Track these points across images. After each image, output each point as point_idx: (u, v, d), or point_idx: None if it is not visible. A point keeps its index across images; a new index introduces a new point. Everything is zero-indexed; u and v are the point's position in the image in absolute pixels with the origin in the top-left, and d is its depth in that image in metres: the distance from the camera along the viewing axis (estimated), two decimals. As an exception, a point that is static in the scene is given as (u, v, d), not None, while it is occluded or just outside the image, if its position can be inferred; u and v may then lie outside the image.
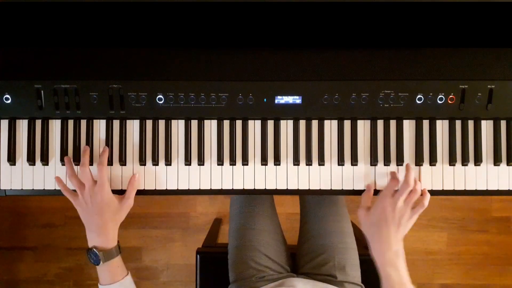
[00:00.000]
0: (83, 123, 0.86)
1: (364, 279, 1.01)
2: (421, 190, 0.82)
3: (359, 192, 0.87)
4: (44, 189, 0.86)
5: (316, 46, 0.84)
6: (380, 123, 0.86)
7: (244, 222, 1.03)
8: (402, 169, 0.86)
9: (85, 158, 0.82)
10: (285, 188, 0.87)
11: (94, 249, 0.79)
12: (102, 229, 0.80)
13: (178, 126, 0.87)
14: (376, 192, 0.86)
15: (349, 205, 1.13)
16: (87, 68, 0.84)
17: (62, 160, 0.86)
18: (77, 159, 0.86)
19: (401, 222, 0.79)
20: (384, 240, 0.79)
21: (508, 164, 0.86)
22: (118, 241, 0.82)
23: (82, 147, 0.85)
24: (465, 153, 0.86)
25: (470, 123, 0.86)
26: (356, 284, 0.98)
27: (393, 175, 0.84)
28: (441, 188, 0.86)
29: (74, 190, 0.82)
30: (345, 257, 0.98)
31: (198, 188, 0.86)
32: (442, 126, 0.86)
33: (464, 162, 0.86)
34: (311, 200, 1.10)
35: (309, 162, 0.86)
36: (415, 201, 0.81)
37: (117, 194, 0.83)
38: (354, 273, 0.98)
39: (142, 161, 0.86)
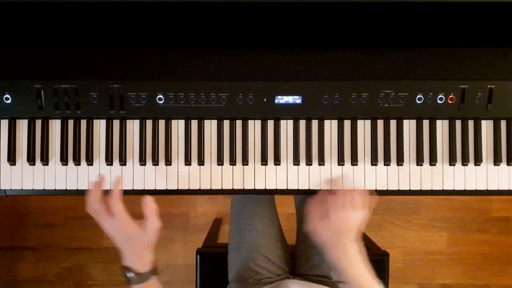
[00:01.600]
0: (83, 123, 0.86)
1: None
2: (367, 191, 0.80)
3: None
4: (44, 189, 0.86)
5: (316, 46, 0.84)
6: (380, 123, 0.86)
7: (245, 223, 1.03)
8: (401, 169, 0.86)
9: (97, 191, 0.77)
10: (285, 188, 0.87)
11: (126, 273, 0.77)
12: (133, 256, 0.78)
13: (178, 126, 0.87)
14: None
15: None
16: (87, 68, 0.84)
17: (62, 160, 0.86)
18: (77, 159, 0.86)
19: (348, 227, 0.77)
20: (339, 247, 0.77)
21: (508, 164, 0.86)
22: (154, 264, 0.79)
23: (98, 177, 0.80)
24: (465, 153, 0.86)
25: (470, 123, 0.86)
26: None
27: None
28: (441, 188, 0.86)
29: None
30: None
31: (198, 188, 0.86)
32: (442, 126, 0.86)
33: (464, 162, 0.86)
34: (304, 201, 1.10)
35: (309, 162, 0.86)
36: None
37: (138, 220, 0.79)
38: None
39: (142, 161, 0.86)
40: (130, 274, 0.76)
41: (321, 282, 0.94)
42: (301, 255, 1.03)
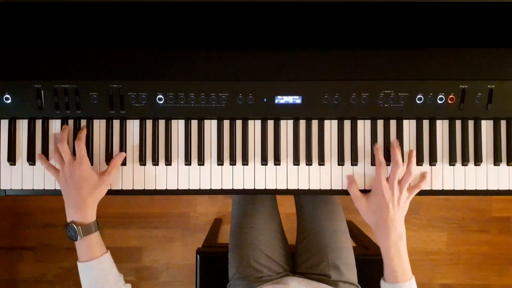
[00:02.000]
0: (83, 123, 0.86)
1: (361, 280, 1.00)
2: (422, 174, 0.84)
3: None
4: (44, 189, 0.86)
5: (316, 46, 0.84)
6: (380, 123, 0.86)
7: (246, 221, 1.03)
8: (401, 169, 0.85)
9: (64, 133, 0.83)
10: (285, 188, 0.87)
11: (73, 224, 0.79)
12: (80, 204, 0.80)
13: (178, 126, 0.87)
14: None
15: (350, 205, 1.13)
16: (87, 68, 0.84)
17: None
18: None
19: (399, 203, 0.80)
20: (388, 223, 0.80)
21: (508, 164, 0.86)
22: (97, 218, 0.82)
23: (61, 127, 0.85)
24: (465, 153, 0.86)
25: (470, 123, 0.86)
26: (352, 284, 0.97)
27: (379, 161, 0.83)
28: (441, 188, 0.86)
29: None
30: (339, 256, 0.98)
31: (198, 188, 0.86)
32: (442, 126, 0.86)
33: (464, 162, 0.86)
34: (306, 200, 1.10)
35: (309, 162, 0.86)
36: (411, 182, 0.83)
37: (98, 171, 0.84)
38: (348, 272, 0.98)
39: (142, 161, 0.86)
40: (74, 227, 0.78)
41: (321, 281, 0.94)
42: (302, 253, 1.03)
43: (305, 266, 1.00)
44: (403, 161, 0.83)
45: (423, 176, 0.84)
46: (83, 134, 0.83)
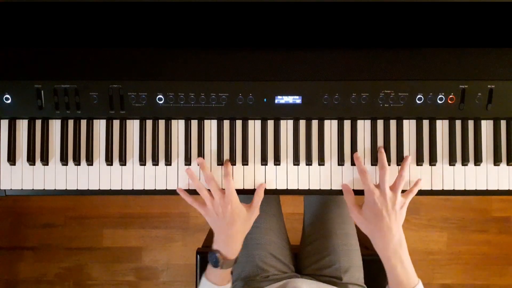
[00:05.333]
0: (83, 123, 0.86)
1: (366, 280, 1.01)
2: (415, 182, 0.83)
3: (359, 193, 0.87)
4: (44, 189, 0.86)
5: (316, 46, 0.84)
6: (380, 123, 0.86)
7: None
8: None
9: (207, 171, 0.83)
10: (285, 188, 0.87)
11: (218, 254, 0.80)
12: (231, 239, 0.82)
13: (178, 126, 0.87)
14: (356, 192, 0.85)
15: (349, 205, 1.13)
16: (87, 68, 0.84)
17: (62, 160, 0.86)
18: (77, 159, 0.86)
19: (394, 208, 0.78)
20: (385, 232, 0.78)
21: (508, 164, 0.86)
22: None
23: (197, 160, 0.85)
24: (465, 153, 0.86)
25: (470, 123, 0.86)
26: (360, 285, 0.98)
27: (361, 169, 0.82)
28: (441, 188, 0.86)
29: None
30: (349, 259, 0.98)
31: (198, 188, 0.86)
32: (442, 126, 0.86)
33: (464, 162, 0.86)
34: (316, 202, 1.10)
35: (309, 162, 0.86)
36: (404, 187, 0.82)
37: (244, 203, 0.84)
38: (358, 274, 0.99)
39: (142, 161, 0.86)
40: (218, 258, 0.79)
41: (330, 283, 0.94)
42: (311, 255, 1.02)
43: (314, 268, 1.00)
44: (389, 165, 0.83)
45: (416, 183, 0.83)
46: (229, 169, 0.84)
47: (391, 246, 0.78)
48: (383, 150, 0.84)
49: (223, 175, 0.84)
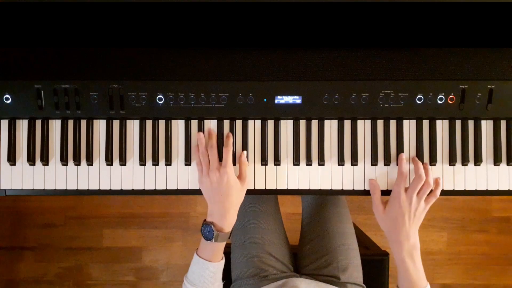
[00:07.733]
0: (83, 123, 0.86)
1: (365, 280, 1.01)
2: (435, 180, 0.84)
3: (359, 192, 0.87)
4: (44, 189, 0.86)
5: (316, 46, 0.84)
6: (380, 123, 0.86)
7: (249, 221, 1.03)
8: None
9: (214, 140, 0.84)
10: (285, 188, 0.87)
11: (212, 226, 0.80)
12: (226, 211, 0.81)
13: (178, 126, 0.87)
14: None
15: (349, 205, 1.13)
16: (87, 68, 0.84)
17: (62, 160, 0.86)
18: (77, 159, 0.86)
19: (416, 214, 0.82)
20: (403, 233, 0.81)
21: (508, 164, 0.86)
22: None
23: (206, 130, 0.85)
24: (465, 153, 0.85)
25: (470, 123, 0.86)
26: (358, 285, 0.98)
27: (402, 171, 0.83)
28: (441, 188, 0.86)
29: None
30: (347, 258, 0.99)
31: (198, 188, 0.86)
32: (442, 126, 0.86)
33: (464, 162, 0.86)
34: (314, 202, 1.10)
35: (309, 162, 0.86)
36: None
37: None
38: (356, 273, 0.99)
39: (142, 161, 0.86)
40: (213, 230, 0.79)
41: (328, 282, 0.94)
42: (309, 254, 1.03)
43: (312, 267, 1.00)
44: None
45: (436, 183, 0.84)
46: (231, 141, 0.84)
47: (406, 248, 0.81)
48: (418, 161, 0.84)
49: (223, 146, 0.84)
